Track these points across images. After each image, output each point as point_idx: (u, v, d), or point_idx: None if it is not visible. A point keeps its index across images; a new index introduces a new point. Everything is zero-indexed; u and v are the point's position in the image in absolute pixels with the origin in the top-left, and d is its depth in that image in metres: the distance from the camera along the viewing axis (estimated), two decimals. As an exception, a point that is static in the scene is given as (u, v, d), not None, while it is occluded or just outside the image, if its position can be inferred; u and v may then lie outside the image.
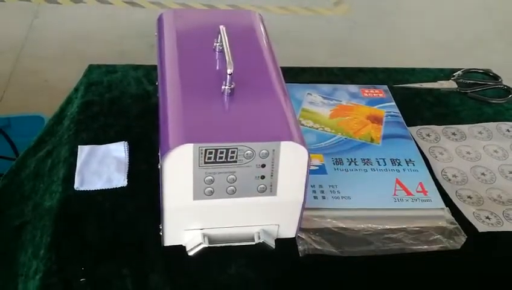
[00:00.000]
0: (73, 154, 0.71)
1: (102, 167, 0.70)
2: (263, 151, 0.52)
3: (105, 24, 2.15)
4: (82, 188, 0.67)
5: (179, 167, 0.52)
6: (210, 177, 0.53)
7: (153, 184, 0.67)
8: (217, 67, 0.63)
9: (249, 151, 0.52)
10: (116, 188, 0.67)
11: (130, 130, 0.76)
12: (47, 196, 0.68)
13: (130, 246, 0.60)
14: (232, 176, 0.54)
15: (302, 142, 0.53)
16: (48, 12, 2.21)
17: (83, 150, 0.71)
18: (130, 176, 0.69)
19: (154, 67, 0.86)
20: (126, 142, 0.73)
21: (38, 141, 0.80)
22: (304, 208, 0.58)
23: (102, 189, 0.67)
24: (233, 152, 0.52)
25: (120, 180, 0.68)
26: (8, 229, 0.67)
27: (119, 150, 0.72)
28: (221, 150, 0.52)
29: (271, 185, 0.55)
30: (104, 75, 0.86)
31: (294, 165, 0.54)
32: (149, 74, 0.86)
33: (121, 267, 0.58)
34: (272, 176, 0.54)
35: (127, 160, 0.71)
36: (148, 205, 0.64)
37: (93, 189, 0.67)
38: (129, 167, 0.70)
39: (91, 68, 0.87)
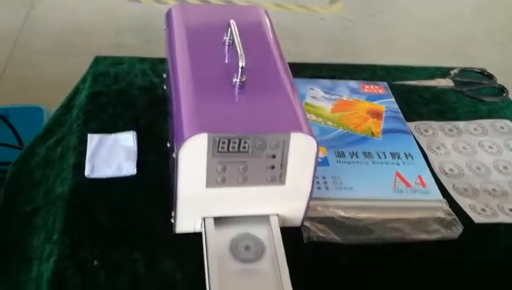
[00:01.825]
0: (83, 143, 0.73)
1: (112, 155, 0.71)
2: (274, 142, 0.55)
3: (101, 17, 2.16)
4: (92, 176, 0.68)
5: (193, 155, 0.54)
6: (222, 166, 0.55)
7: (161, 173, 0.70)
8: (227, 61, 0.65)
9: (260, 142, 0.55)
10: (125, 176, 0.69)
11: (137, 121, 0.78)
12: (58, 182, 0.69)
13: (140, 232, 0.62)
14: (244, 166, 0.56)
15: (311, 134, 0.55)
16: (43, 4, 2.21)
17: (93, 139, 0.73)
18: (139, 165, 0.71)
19: (159, 60, 0.89)
20: (134, 132, 0.75)
21: (46, 130, 0.81)
22: (311, 198, 0.60)
23: (112, 177, 0.69)
24: (245, 142, 0.54)
25: (129, 169, 0.70)
26: (20, 215, 0.69)
27: (127, 140, 0.74)
28: (234, 140, 0.54)
29: (280, 175, 0.57)
30: (110, 66, 0.88)
31: (304, 156, 0.56)
32: (155, 66, 0.88)
33: (133, 252, 0.60)
34: (281, 166, 0.57)
35: (135, 149, 0.73)
36: (158, 193, 0.67)
37: (104, 177, 0.69)
38: (138, 156, 0.72)
39: (97, 59, 0.89)
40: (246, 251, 0.57)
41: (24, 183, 0.74)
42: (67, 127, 0.79)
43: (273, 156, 0.56)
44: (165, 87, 0.82)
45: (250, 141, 0.54)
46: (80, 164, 0.70)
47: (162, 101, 0.81)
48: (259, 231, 0.59)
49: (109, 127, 0.76)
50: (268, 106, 0.58)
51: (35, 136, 0.81)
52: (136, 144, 0.73)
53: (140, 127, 0.77)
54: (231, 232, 0.59)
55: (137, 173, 0.70)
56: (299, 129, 0.55)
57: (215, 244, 0.57)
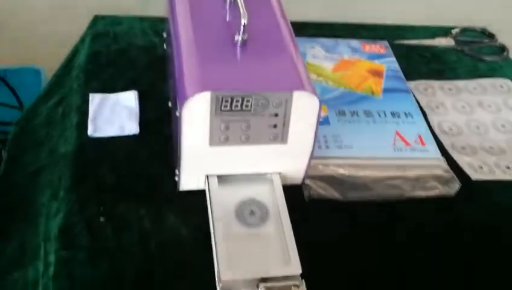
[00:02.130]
0: (85, 103, 0.73)
1: (114, 115, 0.72)
2: (277, 100, 0.55)
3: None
4: (95, 135, 0.69)
5: (196, 114, 0.55)
6: (225, 125, 0.56)
7: (163, 132, 0.70)
8: (229, 19, 0.64)
9: (263, 101, 0.55)
10: (128, 135, 0.70)
11: (138, 80, 0.78)
12: (61, 142, 0.70)
13: (145, 189, 0.63)
14: (246, 124, 0.56)
15: (314, 93, 0.56)
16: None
17: (94, 99, 0.74)
18: (141, 124, 0.71)
19: (158, 19, 0.88)
20: (136, 91, 0.75)
21: (47, 91, 0.82)
22: (312, 156, 0.61)
23: (115, 136, 0.69)
24: (248, 101, 0.55)
25: (132, 128, 0.70)
26: (25, 174, 0.70)
27: (129, 99, 0.74)
28: (237, 98, 0.54)
29: (282, 134, 0.58)
30: (109, 26, 0.87)
31: (306, 115, 0.57)
32: (154, 26, 0.88)
33: (138, 209, 0.61)
34: (284, 124, 0.57)
35: (137, 109, 0.73)
36: (161, 152, 0.68)
37: (107, 136, 0.69)
38: (139, 116, 0.72)
39: (96, 19, 0.88)
40: (251, 216, 0.58)
41: (27, 143, 0.75)
42: (67, 87, 0.79)
43: (276, 115, 0.56)
44: (165, 47, 0.82)
45: (252, 99, 0.55)
46: (83, 124, 0.70)
47: (162, 60, 0.81)
48: (262, 192, 0.60)
49: (110, 87, 0.76)
50: (271, 64, 0.58)
51: (36, 96, 0.81)
52: (137, 104, 0.74)
53: (141, 86, 0.77)
54: (234, 190, 0.60)
55: (140, 132, 0.70)
56: (301, 88, 0.55)
57: (219, 202, 0.58)
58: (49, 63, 1.29)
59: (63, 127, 0.72)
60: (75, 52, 0.85)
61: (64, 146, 0.69)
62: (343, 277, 0.57)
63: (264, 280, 0.51)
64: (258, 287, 0.51)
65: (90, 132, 0.69)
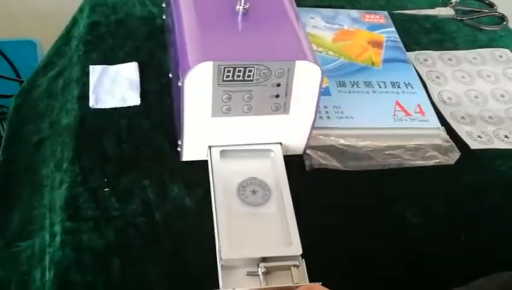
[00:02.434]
0: (85, 74, 0.73)
1: (115, 86, 0.72)
2: (279, 70, 0.55)
3: None
4: (97, 106, 0.69)
5: (198, 84, 0.55)
6: (228, 95, 0.56)
7: (164, 103, 0.71)
8: (229, -11, 0.64)
9: (265, 70, 0.55)
10: (130, 106, 0.70)
11: (138, 51, 0.77)
12: (63, 113, 0.70)
13: (148, 160, 0.64)
14: (249, 95, 0.57)
15: (316, 62, 0.56)
16: None
17: (95, 70, 0.73)
18: (142, 95, 0.71)
19: (157, -11, 0.87)
20: (136, 62, 0.75)
21: (47, 62, 0.81)
22: (313, 126, 0.62)
23: (117, 107, 0.70)
24: (250, 71, 0.55)
25: (134, 99, 0.70)
26: (28, 145, 0.70)
27: (130, 70, 0.74)
28: (239, 68, 0.55)
29: (285, 104, 0.58)
30: (107, -5, 0.86)
31: (308, 84, 0.57)
32: (152, -4, 0.87)
33: (142, 179, 0.62)
34: (286, 95, 0.57)
35: (138, 80, 0.73)
36: (162, 122, 0.68)
37: (108, 107, 0.69)
38: (140, 87, 0.72)
39: (93, -11, 0.87)
40: (253, 195, 0.58)
41: (28, 115, 0.75)
42: (67, 58, 0.79)
43: (278, 85, 0.57)
44: (164, 17, 0.81)
45: (255, 69, 0.55)
46: (84, 95, 0.70)
47: (161, 31, 0.80)
48: (264, 169, 0.60)
49: (110, 58, 0.76)
50: (272, 33, 0.58)
51: (35, 68, 0.81)
52: (138, 75, 0.73)
53: (141, 57, 0.76)
54: (236, 166, 0.60)
55: (141, 103, 0.70)
56: (304, 57, 0.55)
57: (221, 179, 0.58)
58: (44, 35, 1.27)
59: (64, 99, 0.72)
60: (74, 22, 0.84)
61: (66, 118, 0.69)
62: (341, 251, 0.58)
63: (264, 259, 0.52)
64: (258, 266, 0.52)
65: (92, 103, 0.69)
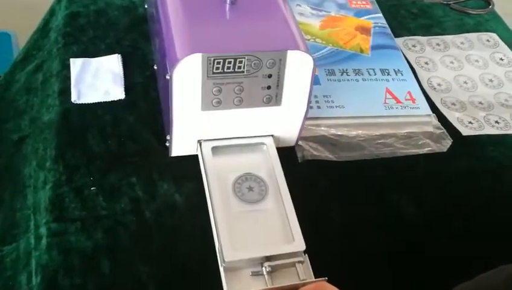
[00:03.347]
0: (66, 68, 0.70)
1: (98, 80, 0.69)
2: (270, 60, 0.54)
3: None
4: (80, 101, 0.67)
5: (187, 77, 0.53)
6: (218, 88, 0.54)
7: (150, 96, 0.68)
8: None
9: (256, 61, 0.53)
10: (114, 100, 0.67)
11: (120, 43, 0.75)
12: (44, 109, 0.67)
13: (135, 156, 0.62)
14: (239, 87, 0.55)
15: (308, 51, 0.54)
16: None
17: (76, 63, 0.71)
18: (126, 88, 0.69)
19: (136, -23, 0.84)
20: (119, 54, 0.72)
21: (24, 56, 0.78)
22: (306, 117, 0.60)
23: (100, 102, 0.67)
24: (240, 62, 0.53)
25: (117, 93, 0.68)
26: (8, 144, 0.67)
27: (113, 63, 0.71)
28: (229, 59, 0.53)
29: (276, 96, 0.57)
30: (85, -16, 0.83)
31: (300, 75, 0.55)
32: (132, -16, 0.84)
33: (129, 176, 0.60)
34: (277, 86, 0.56)
35: (121, 72, 0.70)
36: (148, 117, 0.66)
37: (91, 102, 0.67)
38: (124, 80, 0.70)
39: (70, -23, 0.84)
40: (250, 192, 0.56)
41: (7, 111, 0.72)
42: (46, 51, 0.75)
43: (269, 76, 0.55)
44: (146, 6, 0.79)
45: (245, 60, 0.53)
46: (65, 90, 0.68)
47: (144, 21, 0.78)
48: (258, 164, 0.58)
49: (91, 50, 0.73)
50: (262, 23, 0.56)
51: (13, 62, 0.78)
52: (121, 67, 0.71)
53: (123, 49, 0.74)
54: (229, 161, 0.58)
55: (126, 97, 0.68)
56: (296, 47, 0.54)
57: (215, 176, 0.56)
58: (19, 27, 1.23)
59: (45, 94, 0.70)
60: (51, 13, 0.80)
61: (47, 114, 0.66)
62: (337, 242, 0.57)
63: (267, 258, 0.51)
64: (262, 265, 0.50)
65: (74, 98, 0.67)
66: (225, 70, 0.53)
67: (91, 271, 0.52)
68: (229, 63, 0.53)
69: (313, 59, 0.55)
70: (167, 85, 0.53)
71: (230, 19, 0.57)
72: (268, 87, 0.56)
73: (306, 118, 0.61)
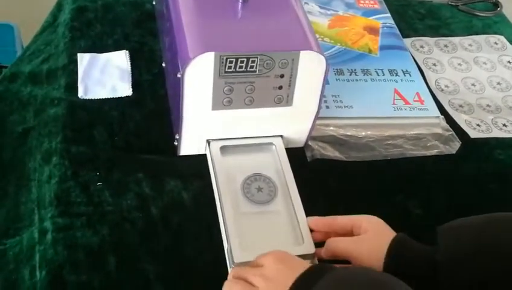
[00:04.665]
0: (73, 62, 0.70)
1: (105, 75, 0.69)
2: (283, 60, 0.53)
3: None
4: (87, 97, 0.66)
5: (199, 76, 0.53)
6: (229, 87, 0.54)
7: (157, 93, 0.68)
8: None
9: (269, 61, 0.53)
10: (121, 97, 0.67)
11: (128, 39, 0.74)
12: (48, 102, 0.67)
13: (142, 152, 0.61)
14: (251, 86, 0.54)
15: (321, 52, 0.54)
16: None
17: (83, 58, 0.70)
18: (133, 84, 0.68)
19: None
20: (127, 51, 0.72)
21: (31, 49, 0.77)
22: (316, 119, 0.60)
23: (108, 98, 0.66)
24: (253, 61, 0.53)
25: (125, 89, 0.67)
26: (12, 136, 0.66)
27: (120, 59, 0.71)
28: (242, 59, 0.52)
29: (288, 96, 0.56)
30: (92, -22, 0.82)
31: (312, 75, 0.55)
32: (140, -21, 0.83)
33: (136, 172, 0.59)
34: (289, 86, 0.55)
35: (129, 69, 0.70)
36: (156, 114, 0.65)
37: (98, 98, 0.66)
38: (132, 76, 0.69)
39: (77, -29, 0.83)
40: (259, 193, 0.55)
41: (12, 103, 0.71)
42: (53, 45, 0.75)
43: (281, 76, 0.54)
44: (154, 3, 0.78)
45: (258, 59, 0.53)
46: (72, 85, 0.67)
47: (151, 17, 0.77)
48: (267, 164, 0.58)
49: (98, 46, 0.72)
50: (275, 22, 0.56)
51: (20, 54, 0.77)
52: (129, 64, 0.70)
53: (130, 45, 0.73)
54: (238, 162, 0.58)
55: (133, 93, 0.67)
56: (309, 47, 0.53)
57: (224, 177, 0.56)
58: (22, 19, 1.22)
59: (50, 87, 0.69)
60: (59, 7, 0.80)
61: (53, 107, 0.66)
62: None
63: None
64: None
65: (81, 93, 0.66)
66: (237, 69, 0.53)
67: (97, 267, 0.52)
68: (242, 62, 0.52)
69: (326, 59, 0.54)
70: (178, 83, 0.53)
71: (243, 17, 0.56)
72: (280, 87, 0.55)
73: (317, 119, 0.61)
